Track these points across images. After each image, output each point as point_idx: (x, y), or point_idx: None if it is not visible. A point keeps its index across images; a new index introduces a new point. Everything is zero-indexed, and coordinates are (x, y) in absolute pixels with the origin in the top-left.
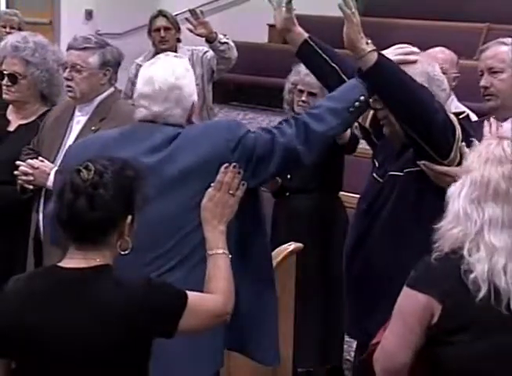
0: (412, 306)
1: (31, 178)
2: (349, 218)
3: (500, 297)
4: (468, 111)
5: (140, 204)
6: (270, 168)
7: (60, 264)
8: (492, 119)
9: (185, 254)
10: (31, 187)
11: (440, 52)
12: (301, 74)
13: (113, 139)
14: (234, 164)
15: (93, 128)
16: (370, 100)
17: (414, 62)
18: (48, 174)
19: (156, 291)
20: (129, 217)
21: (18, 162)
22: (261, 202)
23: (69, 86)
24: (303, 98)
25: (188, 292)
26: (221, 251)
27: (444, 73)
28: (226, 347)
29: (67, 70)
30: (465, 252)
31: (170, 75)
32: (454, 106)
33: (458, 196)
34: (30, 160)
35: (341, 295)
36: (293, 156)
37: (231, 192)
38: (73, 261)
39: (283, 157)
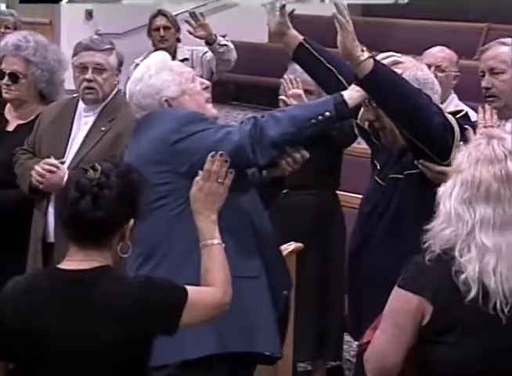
0: (403, 306)
1: (45, 182)
2: (348, 217)
3: (489, 297)
4: (467, 109)
5: (143, 209)
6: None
7: (60, 266)
8: (486, 105)
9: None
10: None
11: (439, 51)
12: (297, 71)
13: None
14: (221, 152)
15: (103, 128)
16: (356, 123)
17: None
18: (62, 178)
19: (157, 288)
20: (131, 220)
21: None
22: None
23: (91, 88)
24: None
25: (187, 287)
26: (215, 242)
27: (443, 71)
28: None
29: (89, 70)
30: (456, 253)
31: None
32: (454, 104)
33: (449, 196)
34: (53, 161)
35: (339, 293)
36: (241, 153)
37: (220, 180)
38: (74, 262)
39: (230, 152)
